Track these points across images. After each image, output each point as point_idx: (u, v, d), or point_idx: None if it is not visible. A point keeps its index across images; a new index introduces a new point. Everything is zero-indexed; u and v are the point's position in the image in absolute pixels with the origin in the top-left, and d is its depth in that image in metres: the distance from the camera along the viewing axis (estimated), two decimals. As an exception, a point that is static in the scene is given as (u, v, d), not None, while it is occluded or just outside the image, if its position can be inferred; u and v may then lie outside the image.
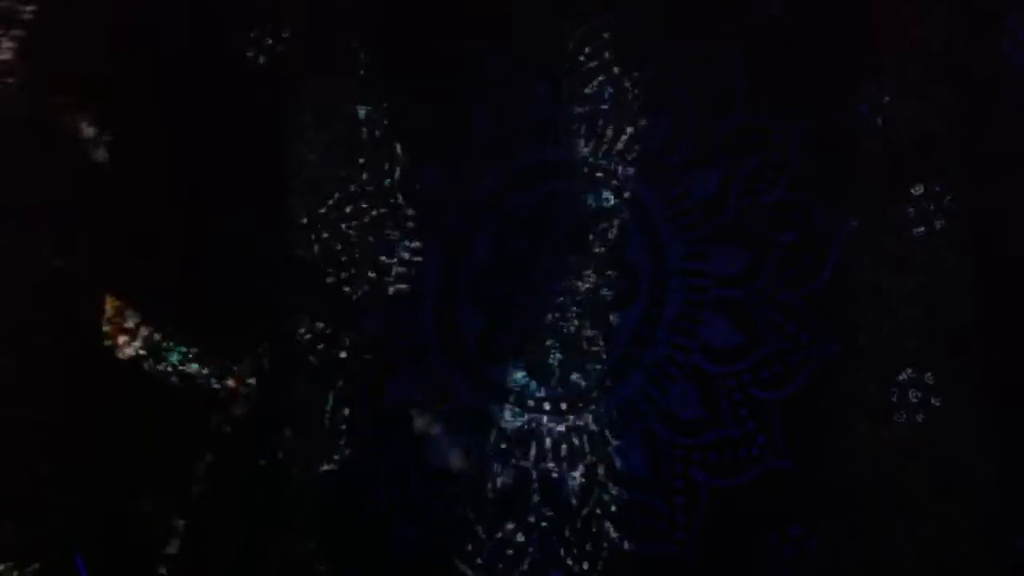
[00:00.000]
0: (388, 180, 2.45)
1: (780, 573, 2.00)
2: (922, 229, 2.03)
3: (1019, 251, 1.98)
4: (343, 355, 2.38)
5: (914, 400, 1.98)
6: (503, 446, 2.23)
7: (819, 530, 1.99)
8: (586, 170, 2.32)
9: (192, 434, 2.34)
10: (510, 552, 2.17)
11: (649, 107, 2.28)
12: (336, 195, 2.46)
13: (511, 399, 2.26)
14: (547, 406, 2.23)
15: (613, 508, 2.13)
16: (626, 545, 2.10)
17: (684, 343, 2.16)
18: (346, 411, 2.35)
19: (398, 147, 2.45)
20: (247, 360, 2.36)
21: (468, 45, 2.45)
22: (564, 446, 2.20)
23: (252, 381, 2.35)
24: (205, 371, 2.34)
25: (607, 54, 2.33)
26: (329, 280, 2.43)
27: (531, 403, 2.25)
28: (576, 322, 2.25)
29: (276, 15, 2.55)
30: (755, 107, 2.20)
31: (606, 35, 2.33)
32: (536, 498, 2.18)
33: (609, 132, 2.32)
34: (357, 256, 2.43)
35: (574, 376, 2.23)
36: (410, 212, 2.43)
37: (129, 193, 2.37)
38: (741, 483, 2.06)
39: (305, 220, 2.46)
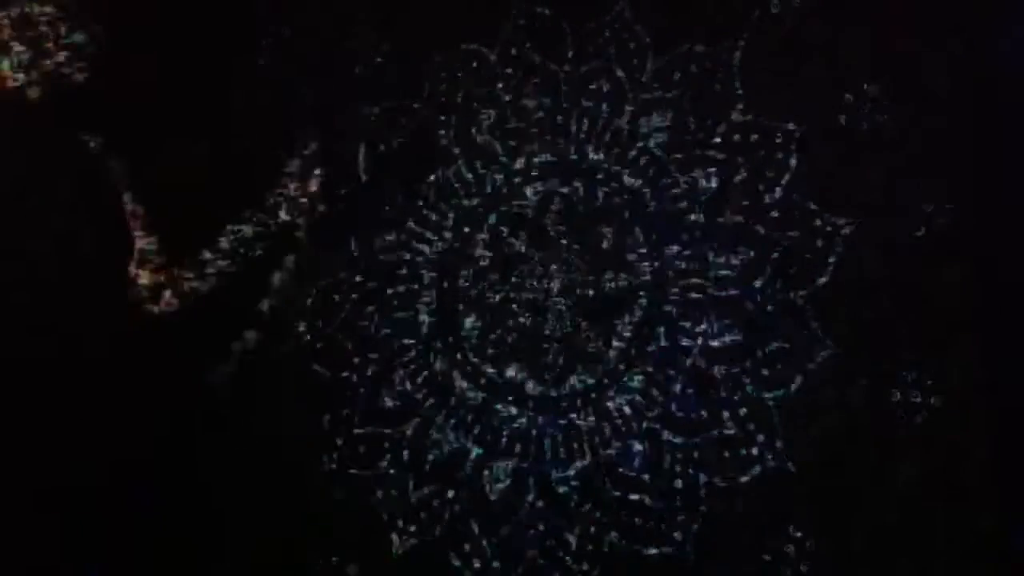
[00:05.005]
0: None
1: (780, 573, 2.00)
2: (922, 229, 2.03)
3: (1019, 251, 1.98)
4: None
5: (914, 400, 1.98)
6: (502, 446, 2.23)
7: (819, 531, 1.99)
8: (585, 169, 2.32)
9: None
10: (509, 552, 2.17)
11: (649, 107, 2.28)
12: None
13: (510, 399, 2.25)
14: (546, 406, 2.23)
15: (613, 508, 2.13)
16: (626, 545, 2.10)
17: (684, 343, 2.16)
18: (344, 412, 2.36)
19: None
20: None
21: (467, 45, 2.45)
22: (563, 446, 2.20)
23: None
24: None
25: (607, 54, 2.33)
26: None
27: (530, 403, 2.24)
28: (575, 322, 2.25)
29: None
30: (755, 107, 2.20)
31: (606, 34, 2.33)
32: (535, 499, 2.18)
33: (609, 132, 2.32)
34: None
35: (573, 376, 2.23)
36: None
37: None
38: (741, 483, 2.06)
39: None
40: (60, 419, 2.12)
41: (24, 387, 2.04)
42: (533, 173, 2.36)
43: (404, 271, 2.39)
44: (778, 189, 2.15)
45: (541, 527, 2.16)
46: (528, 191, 2.35)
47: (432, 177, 2.41)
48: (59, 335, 2.05)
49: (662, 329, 2.18)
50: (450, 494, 2.23)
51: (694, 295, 2.18)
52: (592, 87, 2.33)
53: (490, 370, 2.28)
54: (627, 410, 2.17)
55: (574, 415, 2.20)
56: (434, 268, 2.38)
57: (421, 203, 2.41)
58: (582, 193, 2.31)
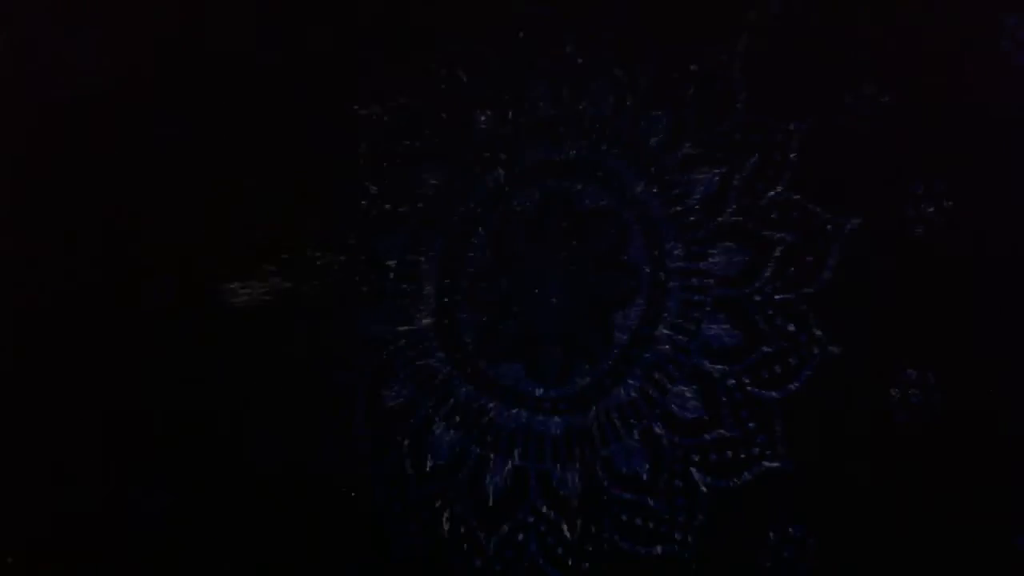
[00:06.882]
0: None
1: (780, 573, 2.00)
2: (922, 229, 2.03)
3: (1019, 251, 1.98)
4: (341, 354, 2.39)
5: (914, 400, 1.98)
6: (501, 446, 2.23)
7: (819, 530, 1.99)
8: (585, 169, 2.32)
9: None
10: (509, 552, 2.17)
11: (649, 107, 2.28)
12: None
13: (510, 399, 2.26)
14: (546, 406, 2.23)
15: (612, 508, 2.13)
16: (626, 545, 2.10)
17: (684, 343, 2.16)
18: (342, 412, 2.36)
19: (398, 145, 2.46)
20: None
21: (467, 44, 2.45)
22: (563, 446, 2.20)
23: None
24: None
25: (607, 54, 2.34)
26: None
27: (530, 403, 2.25)
28: (575, 322, 2.25)
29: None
30: (755, 107, 2.20)
31: (606, 35, 2.34)
32: (535, 498, 2.18)
33: (609, 132, 2.32)
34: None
35: (573, 376, 2.23)
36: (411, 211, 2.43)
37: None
38: (741, 483, 2.06)
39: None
40: (60, 418, 2.13)
41: (24, 386, 2.05)
42: (532, 172, 2.36)
43: (405, 270, 2.40)
44: (778, 189, 2.16)
45: (541, 527, 2.16)
46: (528, 191, 2.35)
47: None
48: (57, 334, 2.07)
49: (662, 329, 2.18)
50: (450, 494, 2.23)
51: (694, 295, 2.18)
52: (591, 85, 2.33)
53: (490, 370, 2.28)
54: (627, 410, 2.17)
55: (574, 415, 2.21)
56: (435, 267, 2.38)
57: (421, 203, 2.41)
58: (582, 193, 2.31)
